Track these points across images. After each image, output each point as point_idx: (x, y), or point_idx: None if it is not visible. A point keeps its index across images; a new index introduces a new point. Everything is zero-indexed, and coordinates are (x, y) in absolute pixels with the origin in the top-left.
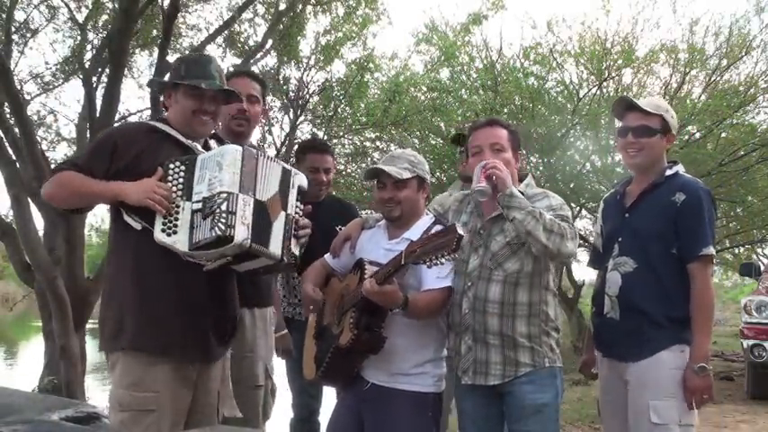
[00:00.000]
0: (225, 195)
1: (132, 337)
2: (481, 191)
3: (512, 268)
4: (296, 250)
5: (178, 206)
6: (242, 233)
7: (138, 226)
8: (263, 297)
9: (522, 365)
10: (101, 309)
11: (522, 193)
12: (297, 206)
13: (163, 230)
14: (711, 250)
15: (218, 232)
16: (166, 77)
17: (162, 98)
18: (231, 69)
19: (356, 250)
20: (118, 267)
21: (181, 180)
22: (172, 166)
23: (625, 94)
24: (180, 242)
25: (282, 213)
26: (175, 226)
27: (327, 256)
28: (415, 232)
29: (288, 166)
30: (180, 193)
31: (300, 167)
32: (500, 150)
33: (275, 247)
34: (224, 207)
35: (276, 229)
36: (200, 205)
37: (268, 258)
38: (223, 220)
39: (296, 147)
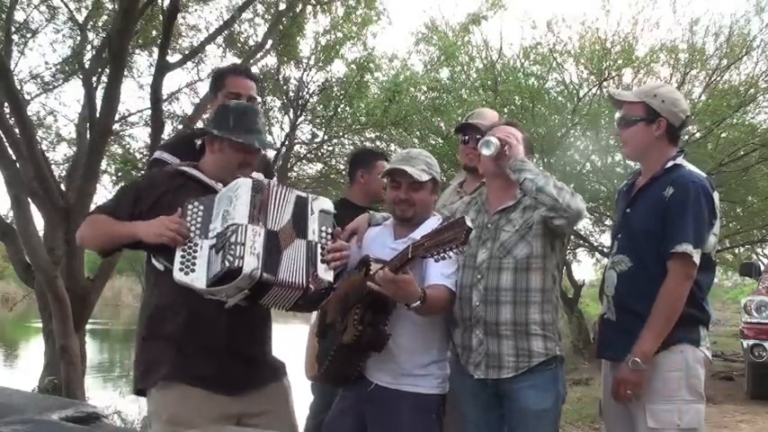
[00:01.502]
0: (234, 227)
1: (166, 370)
2: (488, 141)
3: (521, 254)
4: (327, 276)
5: (196, 244)
6: (251, 263)
7: (161, 267)
8: None
9: (535, 354)
10: (137, 350)
11: None
12: (323, 231)
13: (181, 269)
14: (685, 247)
15: (227, 264)
16: (208, 123)
17: (199, 142)
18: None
19: (362, 247)
20: (150, 310)
21: (199, 219)
22: (191, 206)
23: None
24: (198, 280)
25: (300, 241)
26: (193, 264)
27: None
28: (421, 232)
29: (303, 194)
30: (198, 232)
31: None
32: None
33: (294, 276)
34: (233, 239)
35: (289, 257)
36: (214, 241)
37: (289, 289)
38: (232, 252)
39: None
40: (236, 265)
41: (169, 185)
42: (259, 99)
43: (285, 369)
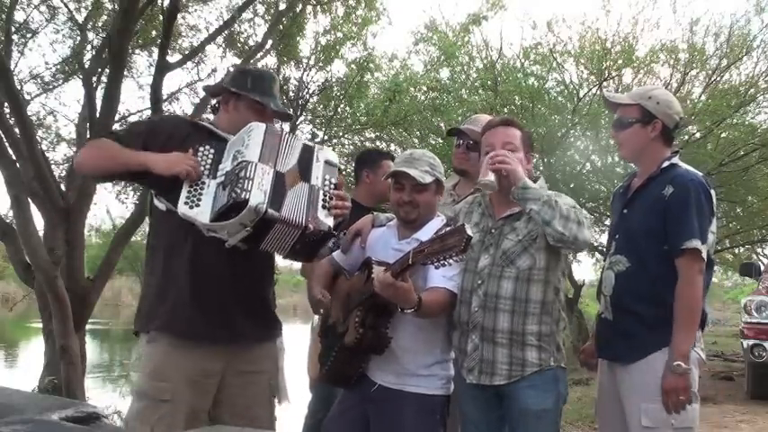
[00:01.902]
0: (244, 164)
1: (160, 319)
2: (486, 184)
3: (524, 265)
4: (327, 221)
5: (204, 182)
6: (257, 197)
7: (163, 207)
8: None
9: (528, 364)
10: (141, 292)
11: None
12: (326, 179)
13: (186, 203)
14: (695, 244)
15: (234, 196)
16: (226, 83)
17: (214, 101)
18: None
19: (366, 248)
20: (149, 251)
21: (209, 161)
22: (202, 149)
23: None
24: (201, 214)
25: (303, 184)
26: (199, 199)
27: (336, 253)
28: (425, 234)
29: (310, 143)
30: (207, 172)
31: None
32: (513, 150)
33: (295, 215)
34: (242, 174)
35: (294, 196)
36: (222, 178)
37: (289, 226)
38: (240, 185)
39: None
40: (242, 197)
41: (183, 129)
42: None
43: (280, 329)
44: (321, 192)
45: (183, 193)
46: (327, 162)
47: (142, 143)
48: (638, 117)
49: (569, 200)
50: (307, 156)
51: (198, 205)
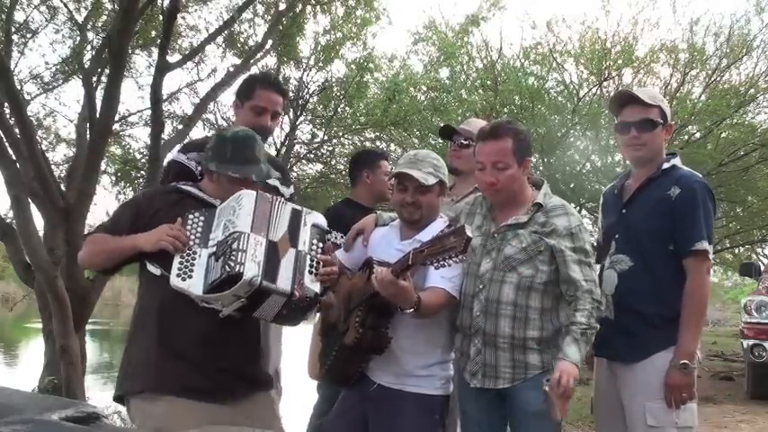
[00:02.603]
0: (236, 235)
1: (152, 379)
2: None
3: (525, 273)
4: (314, 287)
5: (195, 252)
6: (252, 270)
7: (157, 272)
8: None
9: (531, 367)
10: (122, 356)
11: (540, 205)
12: (313, 244)
13: (178, 275)
14: (705, 245)
15: (228, 269)
16: (206, 153)
17: (200, 167)
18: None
19: (368, 247)
20: (138, 313)
21: (199, 229)
22: (191, 216)
23: None
24: (194, 286)
25: (292, 250)
26: (191, 270)
27: (338, 252)
28: (427, 234)
29: (298, 207)
30: (198, 241)
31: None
32: (503, 169)
33: (284, 282)
34: (235, 246)
35: (284, 265)
36: (214, 249)
37: (278, 295)
38: (233, 258)
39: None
40: (236, 270)
41: (168, 201)
42: (282, 113)
43: (273, 382)
44: (308, 257)
45: (175, 264)
46: (315, 226)
47: (130, 227)
48: (660, 119)
49: (575, 219)
50: (295, 220)
51: (190, 277)
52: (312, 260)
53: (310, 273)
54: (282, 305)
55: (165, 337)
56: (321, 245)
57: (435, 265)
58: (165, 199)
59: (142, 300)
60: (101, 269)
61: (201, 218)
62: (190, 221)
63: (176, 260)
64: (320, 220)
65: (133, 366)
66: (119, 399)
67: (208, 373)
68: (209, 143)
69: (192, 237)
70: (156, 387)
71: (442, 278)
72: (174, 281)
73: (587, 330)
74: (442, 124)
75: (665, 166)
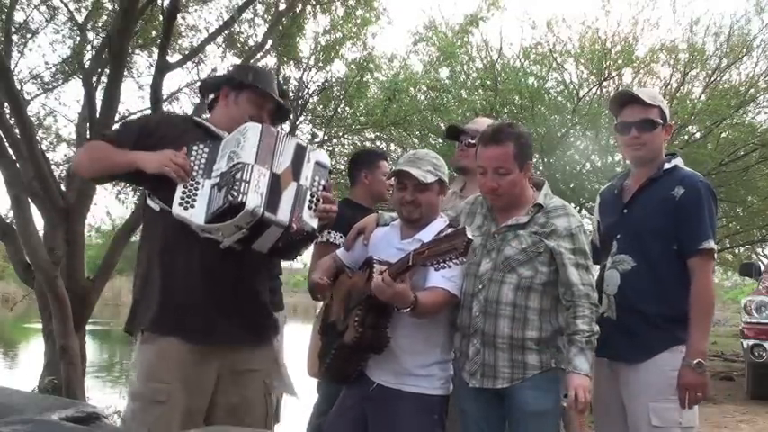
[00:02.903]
0: (240, 166)
1: (151, 318)
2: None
3: (525, 274)
4: (312, 222)
5: (198, 183)
6: (254, 200)
7: (156, 207)
8: (274, 301)
9: (530, 367)
10: (132, 291)
11: (540, 206)
12: (315, 180)
13: (180, 204)
14: (712, 244)
15: (230, 198)
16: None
17: (211, 96)
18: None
19: (369, 246)
20: (142, 251)
21: (203, 160)
22: (195, 147)
23: None
24: (196, 215)
25: (293, 183)
26: (193, 200)
27: (340, 251)
28: (427, 234)
29: (303, 143)
30: (201, 171)
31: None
32: (505, 174)
33: (283, 214)
34: (238, 176)
35: (286, 197)
36: (218, 179)
37: (277, 226)
38: (236, 188)
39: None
40: (239, 200)
41: (177, 127)
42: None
43: (278, 328)
44: (309, 192)
45: (178, 194)
46: (318, 163)
47: (134, 142)
48: (660, 119)
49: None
50: (299, 155)
51: (192, 206)
52: (313, 196)
53: (309, 208)
54: (279, 237)
55: (167, 276)
56: (323, 182)
57: (436, 266)
58: (173, 125)
59: (144, 238)
60: (94, 176)
61: (206, 149)
62: (194, 152)
63: (179, 190)
64: (324, 158)
65: (137, 305)
66: (128, 332)
67: (205, 314)
68: (227, 72)
69: (196, 167)
70: (153, 327)
71: (442, 278)
72: (177, 209)
73: (591, 337)
74: (442, 124)
75: (667, 166)
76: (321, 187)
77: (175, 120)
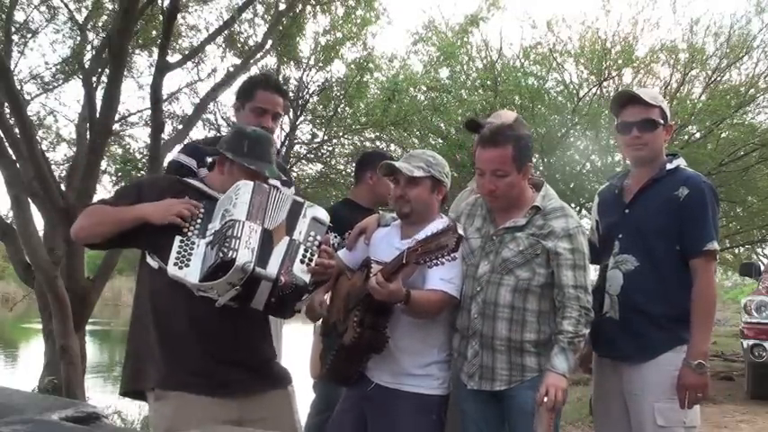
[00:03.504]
0: (232, 223)
1: (162, 377)
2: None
3: (523, 276)
4: (303, 276)
5: (194, 242)
6: (245, 256)
7: (155, 265)
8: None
9: (528, 370)
10: (126, 350)
11: (538, 208)
12: (310, 235)
13: (176, 264)
14: (715, 245)
15: (221, 255)
16: (222, 144)
17: (209, 160)
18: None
19: (370, 246)
20: (138, 308)
21: (199, 221)
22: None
23: None
24: (191, 274)
25: (285, 238)
26: (188, 259)
27: (341, 251)
28: (426, 234)
29: (300, 199)
30: (197, 232)
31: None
32: (503, 176)
33: (272, 268)
34: (229, 233)
35: (276, 252)
36: (211, 238)
37: (266, 280)
38: (227, 244)
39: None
40: (229, 256)
41: (172, 189)
42: (283, 114)
43: (290, 377)
44: (302, 247)
45: (173, 254)
46: (315, 219)
47: (135, 200)
48: (661, 120)
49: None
50: (295, 210)
51: (187, 266)
52: (307, 250)
53: (302, 262)
54: (270, 292)
55: (166, 332)
56: (318, 237)
57: (429, 264)
58: (170, 186)
59: (140, 294)
60: (97, 240)
61: (202, 210)
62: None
63: (174, 249)
64: (321, 214)
65: (142, 364)
66: (126, 394)
67: (213, 367)
68: (225, 136)
69: (192, 227)
70: (163, 384)
71: (441, 280)
72: (172, 269)
73: (574, 339)
74: (442, 124)
75: (670, 166)
76: (317, 242)
77: (171, 180)
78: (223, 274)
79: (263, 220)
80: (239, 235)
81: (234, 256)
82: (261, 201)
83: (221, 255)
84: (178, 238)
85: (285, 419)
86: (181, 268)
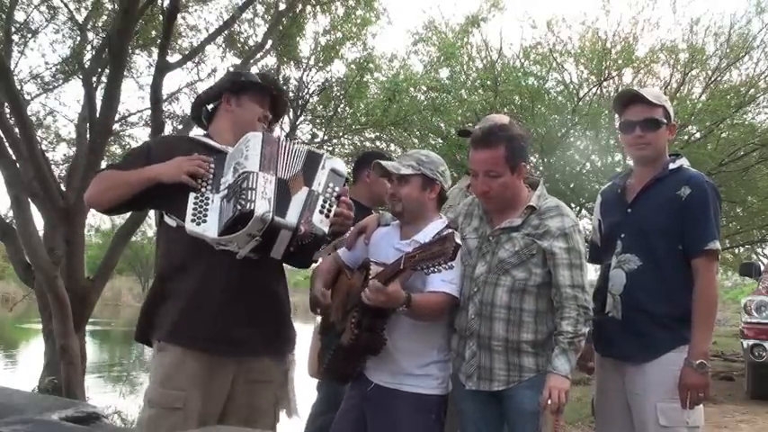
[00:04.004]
0: (245, 175)
1: (168, 330)
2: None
3: (519, 276)
4: (322, 226)
5: (208, 198)
6: (263, 206)
7: (173, 223)
8: None
9: (526, 370)
10: (143, 303)
11: (533, 208)
12: (329, 186)
13: (193, 220)
14: (717, 245)
15: (239, 207)
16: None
17: (208, 107)
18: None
19: (369, 245)
20: (161, 263)
21: (210, 175)
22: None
23: None
24: (209, 229)
25: (305, 188)
26: (205, 215)
27: (341, 251)
28: (425, 235)
29: (318, 151)
30: (210, 187)
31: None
32: (496, 177)
33: (291, 217)
34: (244, 185)
35: (295, 201)
36: (225, 192)
37: (286, 230)
38: (244, 197)
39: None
40: (248, 208)
41: (180, 147)
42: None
43: (294, 342)
44: (321, 198)
45: (189, 211)
46: (334, 171)
47: (145, 162)
48: (665, 119)
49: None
50: (313, 162)
51: (204, 221)
52: (326, 201)
53: (321, 212)
54: (289, 241)
55: (186, 291)
56: (337, 188)
57: (426, 270)
58: (179, 145)
59: (163, 250)
60: (111, 204)
61: (212, 164)
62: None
63: (190, 206)
64: (340, 165)
65: (153, 314)
66: (138, 340)
67: (225, 327)
68: (220, 82)
69: (205, 184)
70: (170, 338)
71: (441, 281)
72: (189, 226)
73: (574, 339)
74: (442, 124)
75: (672, 166)
76: (336, 193)
77: (178, 139)
78: (242, 226)
79: (277, 170)
80: (254, 186)
81: (252, 208)
82: (272, 151)
83: (239, 207)
84: (192, 194)
85: (276, 388)
86: (199, 224)
